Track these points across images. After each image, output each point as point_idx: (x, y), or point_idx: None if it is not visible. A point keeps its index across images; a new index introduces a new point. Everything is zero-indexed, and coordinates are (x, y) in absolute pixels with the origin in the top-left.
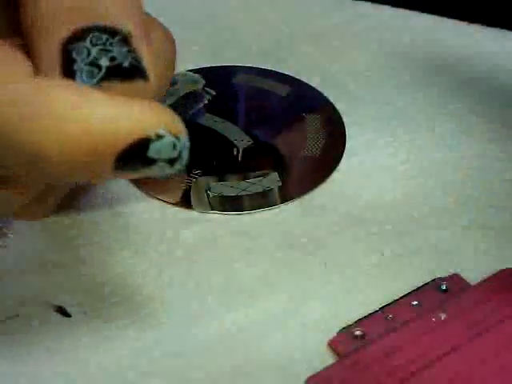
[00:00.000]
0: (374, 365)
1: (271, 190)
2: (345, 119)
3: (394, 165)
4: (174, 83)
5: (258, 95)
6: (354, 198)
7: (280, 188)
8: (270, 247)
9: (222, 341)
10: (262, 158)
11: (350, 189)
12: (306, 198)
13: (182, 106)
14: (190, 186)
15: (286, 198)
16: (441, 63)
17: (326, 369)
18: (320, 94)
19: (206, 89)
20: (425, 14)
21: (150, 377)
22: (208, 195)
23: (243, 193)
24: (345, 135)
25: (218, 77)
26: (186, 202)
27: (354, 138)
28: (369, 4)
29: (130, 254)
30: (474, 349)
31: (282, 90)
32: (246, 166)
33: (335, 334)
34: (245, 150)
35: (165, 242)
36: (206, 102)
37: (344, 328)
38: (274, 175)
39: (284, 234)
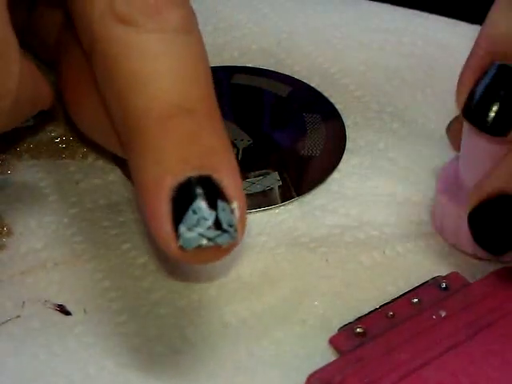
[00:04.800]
0: (374, 362)
1: (271, 189)
2: (345, 119)
3: (394, 168)
4: None
5: (259, 95)
6: (354, 199)
7: (280, 187)
8: (271, 245)
9: (224, 337)
10: (262, 157)
11: (350, 190)
12: (306, 198)
13: None
14: None
15: (286, 197)
16: (441, 63)
17: (327, 366)
18: (320, 94)
19: None
20: (425, 14)
21: (150, 373)
22: None
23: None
24: (345, 135)
25: (217, 77)
26: None
27: (354, 139)
28: (369, 3)
29: (129, 248)
30: (474, 346)
31: (283, 91)
32: (246, 166)
33: (336, 332)
34: (245, 149)
35: None
36: None
37: (345, 325)
38: (274, 175)
39: (284, 234)
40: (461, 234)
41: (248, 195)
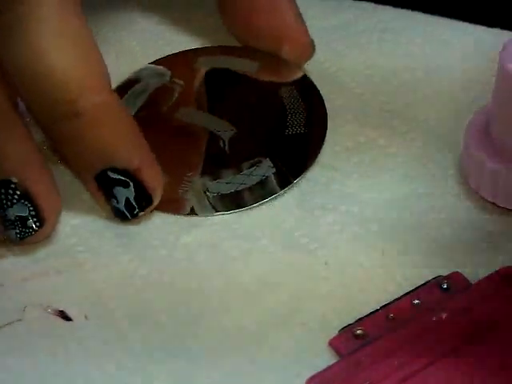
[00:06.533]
0: (374, 364)
1: (267, 178)
2: (345, 117)
3: (394, 166)
4: (138, 80)
5: (228, 77)
6: (354, 196)
7: (275, 174)
8: (271, 248)
9: (223, 343)
10: (249, 145)
11: (351, 188)
12: (307, 197)
13: (154, 104)
14: (187, 191)
15: (284, 183)
16: (441, 62)
17: (327, 369)
18: (291, 65)
19: (174, 80)
20: (425, 14)
21: (151, 379)
22: (207, 196)
23: (241, 187)
24: (323, 101)
25: (182, 64)
26: (188, 209)
27: (354, 137)
28: (369, 4)
29: (130, 259)
30: (474, 348)
31: (251, 67)
32: (236, 157)
33: (336, 334)
34: (231, 140)
35: (165, 246)
36: (177, 95)
37: (345, 327)
38: (266, 162)
39: (284, 234)
40: (500, 190)
41: (246, 189)
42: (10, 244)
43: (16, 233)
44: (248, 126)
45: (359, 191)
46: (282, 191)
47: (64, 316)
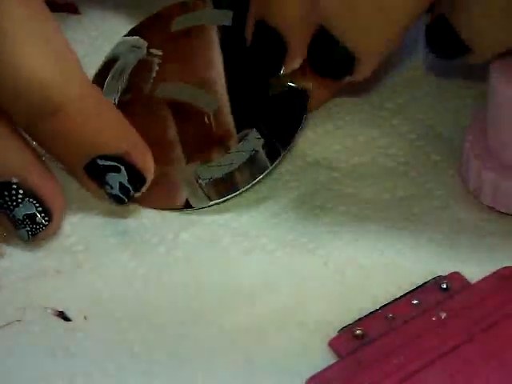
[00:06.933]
0: (374, 364)
1: (257, 152)
2: (345, 116)
3: (394, 165)
4: (117, 59)
5: (203, 36)
6: (354, 196)
7: (264, 146)
8: (270, 247)
9: (222, 343)
10: (234, 114)
11: (350, 188)
12: (307, 197)
13: (135, 86)
14: (180, 182)
15: (273, 155)
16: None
17: (327, 369)
18: None
19: (151, 51)
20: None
21: (151, 379)
22: (200, 185)
23: (232, 167)
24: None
25: (157, 30)
26: (183, 202)
27: (354, 137)
28: None
29: (129, 258)
30: (474, 348)
31: (224, 18)
32: (223, 134)
33: (335, 334)
34: (215, 113)
35: (164, 245)
36: (157, 67)
37: (344, 327)
38: (253, 133)
39: (284, 234)
40: (498, 197)
41: (237, 170)
42: (21, 241)
43: (27, 231)
44: (230, 91)
45: (359, 191)
46: (273, 165)
47: (63, 316)
